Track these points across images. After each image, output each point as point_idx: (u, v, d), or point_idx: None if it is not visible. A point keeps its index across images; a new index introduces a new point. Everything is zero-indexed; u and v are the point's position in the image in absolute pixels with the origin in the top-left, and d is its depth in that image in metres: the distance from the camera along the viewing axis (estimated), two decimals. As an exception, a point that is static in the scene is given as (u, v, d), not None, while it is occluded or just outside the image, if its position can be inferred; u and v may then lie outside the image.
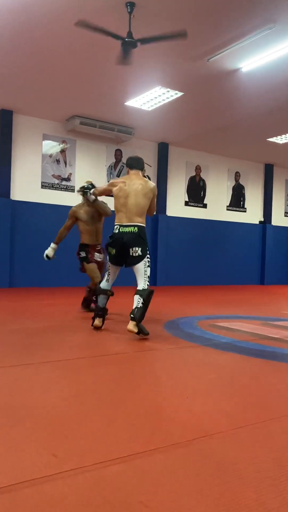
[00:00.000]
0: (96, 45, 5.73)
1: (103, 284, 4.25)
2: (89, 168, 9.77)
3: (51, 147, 9.31)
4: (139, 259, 3.97)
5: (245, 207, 12.47)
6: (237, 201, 12.31)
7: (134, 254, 3.98)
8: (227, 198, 12.11)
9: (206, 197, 11.68)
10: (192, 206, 11.46)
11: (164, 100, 7.68)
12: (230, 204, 12.17)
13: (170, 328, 4.41)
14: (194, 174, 11.43)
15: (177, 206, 11.16)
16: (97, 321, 4.17)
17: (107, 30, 4.80)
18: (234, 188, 12.23)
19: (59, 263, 9.05)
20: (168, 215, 10.89)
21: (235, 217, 12.27)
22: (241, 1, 4.74)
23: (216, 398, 2.28)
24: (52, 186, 9.32)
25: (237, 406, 2.16)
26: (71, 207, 5.49)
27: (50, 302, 6.53)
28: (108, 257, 4.18)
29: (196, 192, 11.50)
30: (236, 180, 12.24)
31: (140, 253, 3.97)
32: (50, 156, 9.29)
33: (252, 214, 12.64)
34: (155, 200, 4.25)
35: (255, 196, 12.67)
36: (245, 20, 5.13)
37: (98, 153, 9.91)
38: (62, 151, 9.45)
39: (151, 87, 7.22)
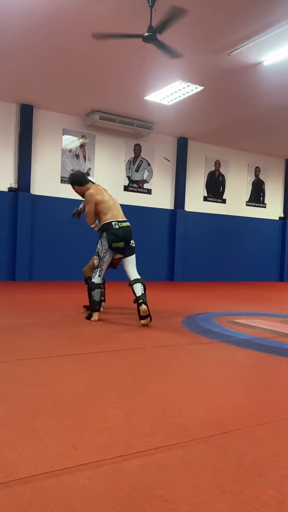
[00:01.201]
0: (116, 40, 5.72)
1: (98, 279, 4.41)
2: (108, 163, 9.79)
3: (71, 142, 9.36)
4: (134, 249, 4.49)
5: (264, 202, 12.34)
6: (257, 196, 12.18)
7: (132, 245, 4.47)
8: (246, 194, 11.99)
9: (225, 192, 11.59)
10: (211, 201, 11.39)
11: (184, 94, 7.63)
12: (249, 199, 12.05)
13: (188, 324, 4.40)
14: (213, 169, 11.35)
15: (196, 201, 11.11)
16: (96, 316, 4.38)
17: (124, 33, 4.80)
18: (253, 183, 12.10)
19: (77, 257, 9.13)
20: (186, 210, 10.85)
21: (255, 212, 12.15)
22: (264, -7, 4.67)
23: (235, 394, 2.28)
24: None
25: (256, 403, 2.15)
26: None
27: (69, 296, 6.59)
28: (107, 252, 4.39)
29: (215, 187, 11.42)
30: (256, 175, 12.11)
31: (134, 244, 4.50)
32: (70, 151, 9.35)
33: (272, 210, 12.50)
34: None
35: (275, 192, 12.52)
36: (267, 13, 5.05)
37: (117, 148, 9.92)
38: (82, 146, 9.49)
39: (171, 82, 7.19)
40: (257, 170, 12.10)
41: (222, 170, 11.49)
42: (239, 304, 6.36)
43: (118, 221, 4.37)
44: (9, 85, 7.73)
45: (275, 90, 7.34)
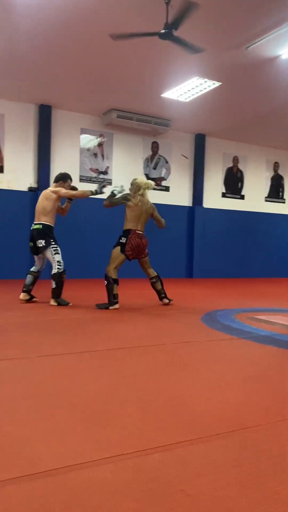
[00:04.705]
0: (133, 39, 5.72)
1: (32, 268, 5.36)
2: (126, 161, 9.82)
3: (89, 141, 9.42)
4: (43, 248, 5.09)
5: (284, 198, 12.18)
6: (276, 192, 12.03)
7: (39, 245, 5.11)
8: (265, 189, 11.86)
9: (243, 188, 11.49)
10: (230, 197, 11.31)
11: (201, 90, 7.59)
12: (268, 195, 11.92)
13: (207, 320, 4.39)
14: (231, 165, 11.26)
15: (214, 197, 11.05)
16: (22, 296, 5.28)
17: (142, 32, 4.81)
18: (272, 179, 11.96)
19: (101, 255, 9.19)
20: (205, 206, 10.80)
21: (274, 208, 12.01)
22: (281, -15, 4.61)
23: (255, 391, 2.27)
24: (89, 180, 9.44)
25: (276, 400, 2.14)
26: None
27: (88, 293, 6.64)
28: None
29: (233, 183, 11.34)
30: (275, 171, 11.96)
31: (44, 244, 5.07)
32: (88, 150, 9.41)
33: (292, 205, 12.33)
34: (61, 192, 5.18)
35: (295, 187, 12.34)
36: (284, 6, 4.98)
37: (134, 146, 9.94)
38: (100, 145, 9.54)
39: (188, 78, 7.16)
40: (276, 165, 11.95)
41: (240, 166, 11.39)
42: (259, 301, 6.31)
43: (34, 223, 5.21)
44: (28, 86, 7.82)
45: (294, 83, 7.23)
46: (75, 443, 1.59)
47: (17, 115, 8.70)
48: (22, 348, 3.05)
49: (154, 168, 10.24)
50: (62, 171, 5.66)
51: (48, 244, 5.06)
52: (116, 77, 7.25)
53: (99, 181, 5.14)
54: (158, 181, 10.29)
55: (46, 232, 5.11)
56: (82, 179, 9.35)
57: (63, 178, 5.35)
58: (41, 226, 5.11)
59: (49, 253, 5.07)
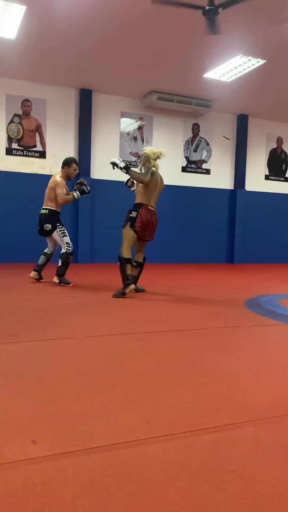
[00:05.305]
0: (173, 17, 5.60)
1: (46, 249, 5.58)
2: (166, 144, 9.71)
3: (129, 124, 9.38)
4: (50, 232, 5.36)
5: None
6: None
7: (46, 229, 5.38)
8: (311, 171, 11.43)
9: (288, 170, 11.12)
10: (273, 180, 10.98)
11: (245, 69, 7.34)
12: (314, 177, 11.47)
13: (251, 306, 4.33)
14: (275, 146, 10.90)
15: (256, 180, 10.76)
16: (33, 274, 5.54)
17: (184, 2, 4.64)
18: None
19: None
20: (247, 190, 10.55)
21: None
22: None
23: (304, 376, 2.22)
24: (130, 164, 9.42)
25: None
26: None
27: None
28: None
29: (277, 165, 10.99)
30: None
31: (50, 228, 5.33)
32: (128, 133, 9.37)
33: None
34: (57, 189, 5.33)
35: None
36: None
37: (175, 129, 9.80)
38: (140, 128, 9.48)
39: (232, 57, 6.93)
40: None
41: (284, 147, 11.00)
42: (304, 286, 6.14)
43: (42, 208, 5.43)
44: (69, 71, 7.85)
45: None
46: (125, 421, 1.62)
47: (59, 100, 8.77)
48: (67, 328, 3.13)
49: (195, 151, 10.08)
50: (69, 156, 5.91)
51: (54, 228, 5.35)
52: (157, 59, 7.14)
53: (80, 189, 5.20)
54: (198, 163, 10.14)
55: (51, 217, 5.38)
56: (123, 163, 9.33)
57: (68, 163, 5.53)
58: (47, 211, 5.40)
59: (57, 236, 5.35)
